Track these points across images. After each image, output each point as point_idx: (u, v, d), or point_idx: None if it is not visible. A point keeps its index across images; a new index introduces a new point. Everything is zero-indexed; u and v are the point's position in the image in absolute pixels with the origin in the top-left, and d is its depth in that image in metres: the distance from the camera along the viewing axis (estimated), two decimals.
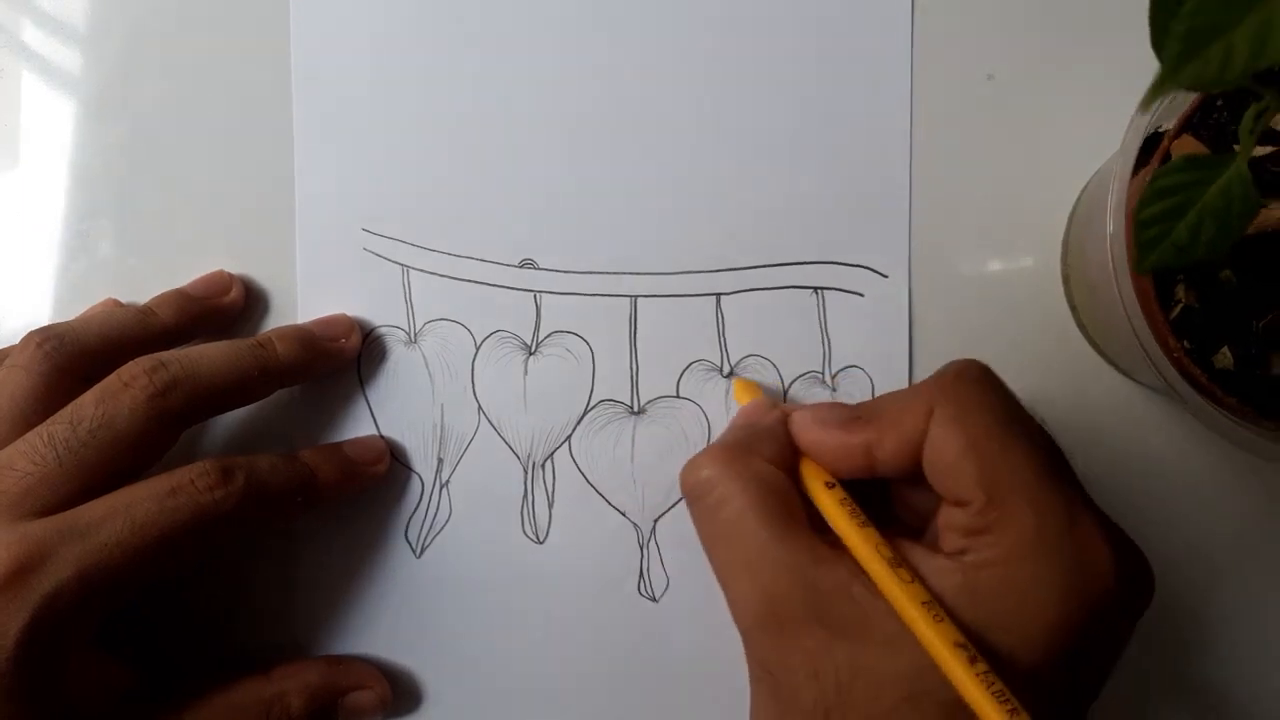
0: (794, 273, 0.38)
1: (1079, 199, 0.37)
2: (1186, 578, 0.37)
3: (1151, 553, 0.36)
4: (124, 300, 0.38)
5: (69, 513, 0.30)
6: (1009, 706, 0.24)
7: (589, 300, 0.38)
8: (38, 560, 0.29)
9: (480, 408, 0.38)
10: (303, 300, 0.38)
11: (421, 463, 0.38)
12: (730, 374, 0.37)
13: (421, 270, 0.38)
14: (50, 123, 0.39)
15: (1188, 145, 0.29)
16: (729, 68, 0.38)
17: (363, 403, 0.38)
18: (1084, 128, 0.37)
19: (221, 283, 0.38)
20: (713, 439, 0.37)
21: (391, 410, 0.38)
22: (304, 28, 0.39)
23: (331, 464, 0.36)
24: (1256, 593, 0.37)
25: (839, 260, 0.38)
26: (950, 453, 0.27)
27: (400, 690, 0.38)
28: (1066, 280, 0.37)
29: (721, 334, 0.38)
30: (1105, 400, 0.37)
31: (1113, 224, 0.29)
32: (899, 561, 0.27)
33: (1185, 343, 0.30)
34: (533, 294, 0.38)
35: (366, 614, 0.38)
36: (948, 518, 0.28)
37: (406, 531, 0.38)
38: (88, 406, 0.31)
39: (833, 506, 0.29)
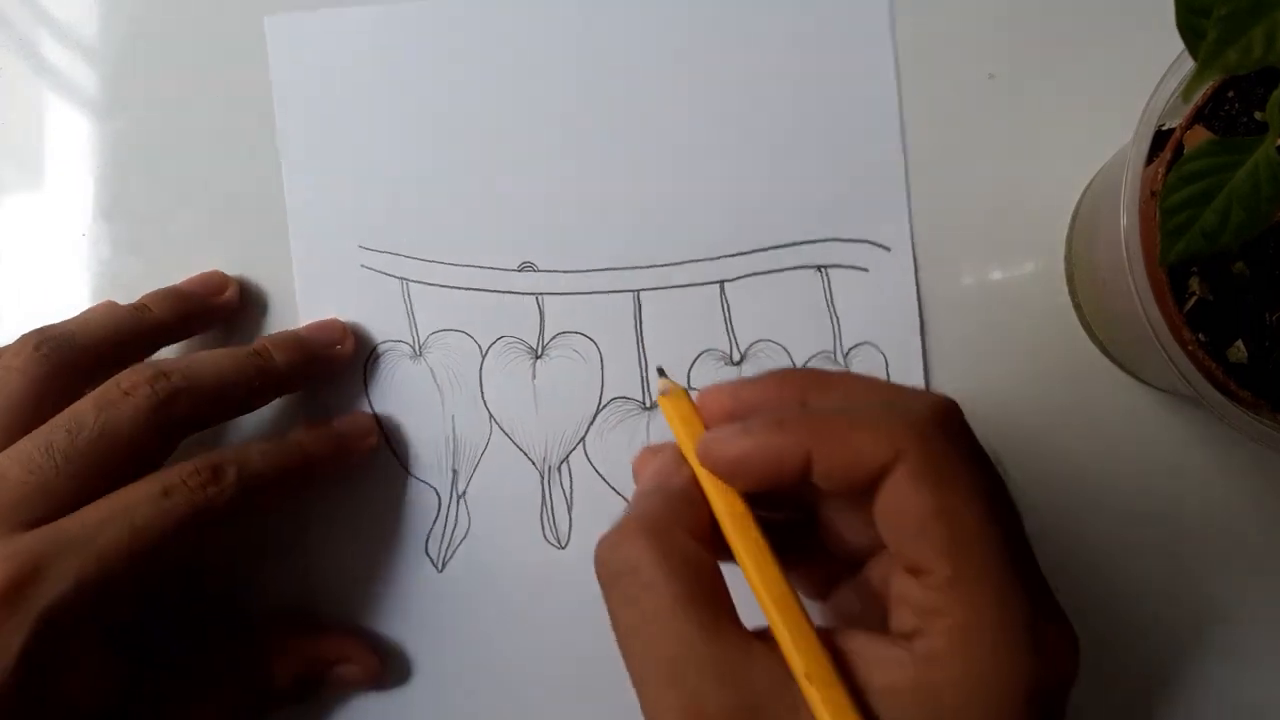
0: (796, 253, 0.37)
1: (1083, 196, 0.37)
2: (1197, 578, 0.37)
3: (1161, 554, 0.37)
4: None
5: (64, 521, 0.30)
6: None
7: (592, 299, 0.37)
8: (35, 573, 0.28)
9: (491, 416, 0.37)
10: (304, 319, 0.38)
11: (437, 476, 0.37)
12: (741, 361, 0.37)
13: (421, 282, 0.38)
14: (48, 122, 0.39)
15: (1200, 136, 0.29)
16: (717, 56, 0.38)
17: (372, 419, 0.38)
18: (1086, 126, 0.37)
19: (217, 282, 0.37)
20: None
21: (402, 425, 0.38)
22: (281, 51, 0.38)
23: (323, 442, 0.35)
24: (1269, 591, 0.37)
25: (840, 237, 0.37)
26: (918, 512, 0.24)
27: (432, 703, 0.37)
28: (1070, 279, 0.37)
29: (729, 321, 0.37)
30: (1110, 400, 0.37)
31: (1126, 217, 0.29)
32: (828, 662, 0.23)
33: (1200, 336, 0.29)
34: (535, 297, 0.38)
35: (393, 632, 0.37)
36: (903, 589, 0.25)
37: (426, 546, 0.37)
38: (87, 414, 0.31)
39: (758, 578, 0.25)
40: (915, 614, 0.24)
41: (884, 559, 0.26)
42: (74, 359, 0.32)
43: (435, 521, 0.37)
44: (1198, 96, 0.28)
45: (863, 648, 0.24)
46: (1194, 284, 0.30)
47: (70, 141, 0.39)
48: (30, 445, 0.30)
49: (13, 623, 0.28)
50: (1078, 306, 0.37)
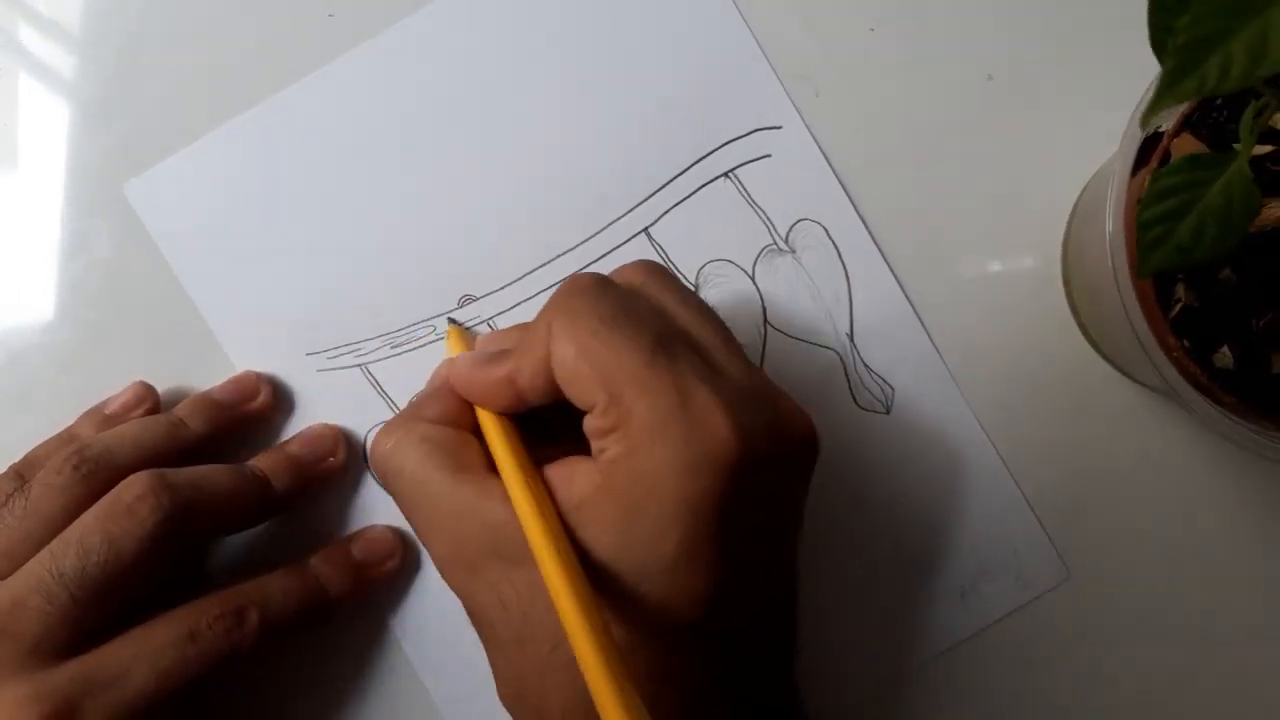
0: (699, 172, 0.38)
1: (1079, 199, 0.37)
2: (1186, 576, 0.37)
3: (1150, 551, 0.37)
4: (124, 306, 0.38)
5: (93, 657, 0.30)
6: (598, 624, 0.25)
7: (538, 300, 0.37)
8: (70, 715, 0.29)
9: None
10: (286, 434, 0.38)
11: None
12: (696, 290, 0.37)
13: (379, 359, 0.38)
14: (47, 122, 0.39)
15: (1187, 144, 0.29)
16: (555, 39, 0.38)
17: (374, 496, 0.37)
18: (1084, 128, 0.37)
19: (250, 386, 0.37)
20: None
21: None
22: (150, 208, 0.38)
23: (342, 574, 0.35)
24: (1255, 590, 0.37)
25: (731, 137, 0.38)
26: (568, 361, 0.28)
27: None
28: (1067, 281, 0.37)
29: (668, 260, 0.38)
30: (1105, 400, 0.37)
31: (1112, 223, 0.29)
32: (533, 482, 0.28)
33: (1185, 342, 0.30)
34: (486, 323, 0.38)
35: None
36: (587, 424, 0.28)
37: None
38: (93, 536, 0.31)
39: (493, 440, 0.30)
40: (598, 438, 0.28)
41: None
42: (112, 479, 0.32)
43: None
44: (1176, 117, 0.28)
45: (568, 473, 0.28)
46: (1180, 290, 0.30)
47: (68, 140, 0.39)
48: (41, 569, 0.30)
49: None
50: (1074, 308, 0.37)
